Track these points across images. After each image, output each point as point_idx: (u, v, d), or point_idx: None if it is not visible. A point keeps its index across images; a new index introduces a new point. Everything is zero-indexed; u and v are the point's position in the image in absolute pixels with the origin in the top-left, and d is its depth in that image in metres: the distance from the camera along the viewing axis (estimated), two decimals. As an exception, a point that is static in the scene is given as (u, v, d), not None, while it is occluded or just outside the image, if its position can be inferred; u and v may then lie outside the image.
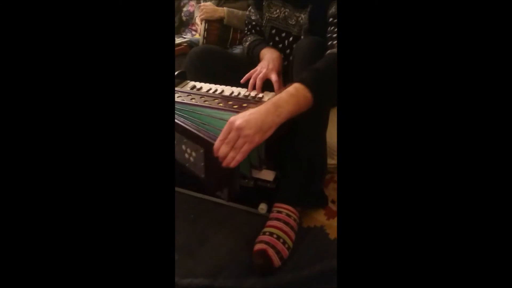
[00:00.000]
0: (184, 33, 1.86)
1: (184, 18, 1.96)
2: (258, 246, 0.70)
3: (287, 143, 0.81)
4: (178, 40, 1.52)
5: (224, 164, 0.62)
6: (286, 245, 0.71)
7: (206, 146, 0.67)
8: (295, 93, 0.64)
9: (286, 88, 0.66)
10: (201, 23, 1.40)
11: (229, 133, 0.61)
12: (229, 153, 0.61)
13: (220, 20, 1.38)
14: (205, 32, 1.38)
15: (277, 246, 0.70)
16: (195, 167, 0.75)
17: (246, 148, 0.60)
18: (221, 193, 0.75)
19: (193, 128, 0.71)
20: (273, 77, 0.90)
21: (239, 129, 0.60)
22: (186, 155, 0.76)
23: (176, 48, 1.42)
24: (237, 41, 1.42)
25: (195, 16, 1.73)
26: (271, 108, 0.62)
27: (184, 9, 1.93)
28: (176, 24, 1.90)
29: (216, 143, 0.63)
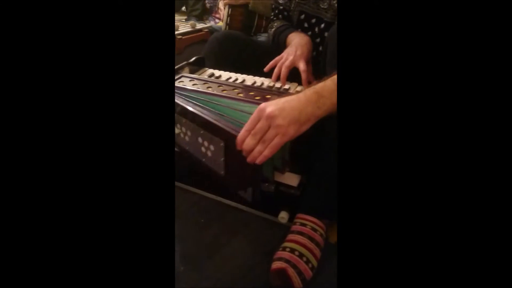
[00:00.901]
0: (207, 21, 1.77)
1: (208, 5, 1.87)
2: (276, 265, 0.59)
3: (315, 143, 0.69)
4: (199, 26, 1.43)
5: (249, 159, 0.52)
6: (310, 265, 0.60)
7: (227, 138, 0.57)
8: None
9: (331, 76, 0.54)
10: (224, 8, 1.30)
11: (258, 122, 0.50)
12: (256, 146, 0.50)
13: (245, 5, 1.28)
14: (228, 18, 1.28)
15: (299, 265, 0.59)
16: (213, 163, 0.65)
17: (277, 141, 0.49)
18: (245, 193, 0.65)
19: (212, 118, 0.61)
20: (301, 66, 0.78)
21: (271, 117, 0.49)
22: (203, 149, 0.66)
23: (196, 34, 1.33)
24: (262, 29, 1.32)
25: (218, 1, 1.63)
26: (313, 97, 0.51)
27: (209, -4, 1.84)
28: (198, 11, 1.82)
29: (241, 134, 0.52)
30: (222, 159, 0.61)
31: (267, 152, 0.50)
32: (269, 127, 0.49)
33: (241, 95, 0.70)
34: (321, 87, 0.52)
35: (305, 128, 0.51)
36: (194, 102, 0.67)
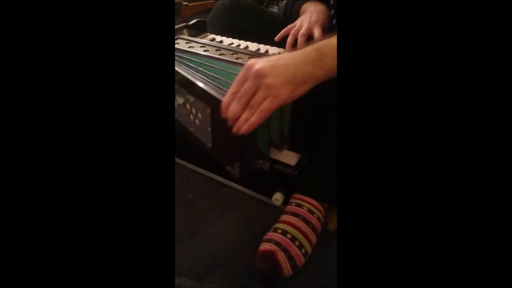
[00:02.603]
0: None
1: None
2: (264, 246, 0.53)
3: (319, 119, 0.62)
4: (207, -6, 1.35)
5: (234, 129, 0.44)
6: (303, 250, 0.54)
7: (214, 104, 0.49)
8: None
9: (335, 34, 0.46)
10: (236, -23, 1.21)
11: (244, 82, 0.42)
12: (243, 112, 0.42)
13: (258, -26, 1.19)
14: (240, -12, 1.18)
15: (290, 250, 0.52)
16: (201, 134, 0.58)
17: (267, 105, 0.41)
18: (232, 168, 0.57)
19: (199, 81, 0.53)
20: (316, 32, 0.69)
21: (260, 75, 0.40)
22: (191, 117, 0.59)
23: (203, 2, 1.25)
24: (275, 2, 1.22)
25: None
26: (312, 54, 0.43)
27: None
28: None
29: (226, 98, 0.44)
30: (209, 128, 0.54)
31: (254, 119, 0.41)
32: (257, 88, 0.41)
33: (240, 59, 0.63)
34: (324, 44, 0.44)
35: (301, 90, 0.42)
36: (185, 63, 0.60)
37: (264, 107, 0.41)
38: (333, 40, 0.44)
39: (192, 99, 0.56)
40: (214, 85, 0.53)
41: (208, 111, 0.52)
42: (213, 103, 0.50)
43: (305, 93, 0.43)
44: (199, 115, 0.56)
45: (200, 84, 0.53)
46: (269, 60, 0.42)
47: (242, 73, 0.43)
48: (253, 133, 0.47)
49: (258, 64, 0.41)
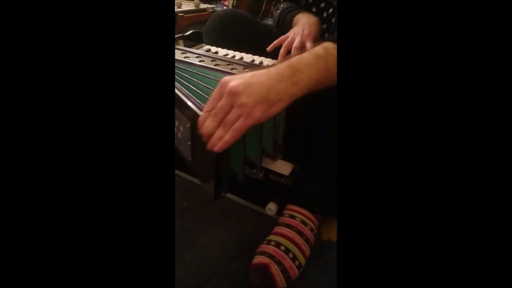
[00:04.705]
0: (216, 7, 1.71)
1: (217, -9, 1.81)
2: (258, 259, 0.53)
3: (313, 129, 0.62)
4: (203, 6, 1.37)
5: (209, 145, 0.42)
6: (297, 262, 0.53)
7: (194, 118, 0.47)
8: (323, 55, 0.44)
9: (310, 49, 0.46)
10: (232, -11, 1.23)
11: (219, 99, 0.41)
12: (217, 129, 0.41)
13: (253, -13, 1.21)
14: (235, 1, 1.21)
15: (284, 262, 0.52)
16: (182, 147, 0.56)
17: (240, 124, 0.40)
18: (208, 185, 0.55)
19: (182, 93, 0.52)
20: (309, 46, 0.71)
21: (233, 94, 0.39)
22: (175, 130, 0.58)
23: (199, 14, 1.27)
24: (270, 14, 1.24)
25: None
26: (286, 71, 0.42)
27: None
28: (208, -4, 1.76)
29: (202, 115, 0.43)
30: (189, 143, 0.53)
31: (228, 137, 0.41)
32: (231, 106, 0.40)
33: (235, 70, 0.63)
34: (297, 60, 0.44)
35: (276, 109, 0.41)
36: (180, 74, 0.60)
37: (238, 126, 0.40)
38: (306, 56, 0.45)
39: (176, 110, 0.55)
40: (194, 98, 0.52)
41: (188, 125, 0.51)
42: (193, 117, 0.48)
43: (282, 109, 0.42)
44: (181, 128, 0.55)
45: (181, 96, 0.52)
46: (243, 77, 0.41)
47: (216, 90, 0.42)
48: (227, 152, 0.45)
49: (232, 82, 0.40)
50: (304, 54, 0.45)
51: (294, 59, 0.44)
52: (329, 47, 0.45)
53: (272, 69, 0.43)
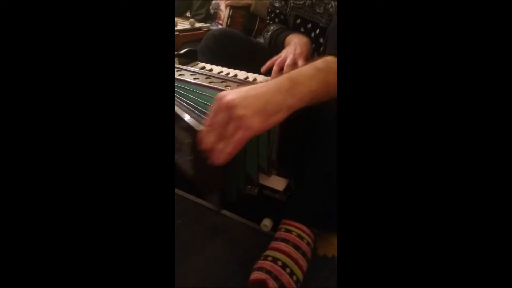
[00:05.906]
0: (211, 26, 1.76)
1: (211, 11, 1.86)
2: (255, 275, 0.52)
3: (308, 143, 0.63)
4: (198, 25, 1.41)
5: (211, 159, 0.43)
6: (294, 278, 0.53)
7: (194, 134, 0.48)
8: (324, 68, 0.46)
9: (310, 63, 0.48)
10: (225, 9, 1.27)
11: (217, 114, 0.42)
12: (217, 143, 0.42)
13: (246, 7, 1.25)
14: (229, 19, 1.25)
15: (281, 277, 0.52)
16: (183, 162, 0.57)
17: (239, 136, 0.40)
18: (212, 198, 0.57)
19: (182, 109, 0.54)
20: (300, 63, 0.73)
21: (229, 107, 0.40)
22: (177, 145, 0.59)
23: (194, 32, 1.30)
24: (262, 35, 1.28)
25: (219, 2, 1.62)
26: (285, 83, 0.43)
27: (213, 1, 1.84)
28: (202, 16, 1.81)
29: (201, 130, 0.44)
30: (190, 158, 0.53)
31: (229, 150, 0.41)
32: (229, 119, 0.40)
33: (229, 87, 0.64)
34: (296, 73, 0.45)
35: (275, 119, 0.41)
36: (175, 91, 0.61)
37: (237, 138, 0.40)
38: (305, 69, 0.46)
39: (176, 127, 0.56)
40: (196, 113, 0.53)
41: (188, 141, 0.52)
42: (193, 133, 0.49)
43: (281, 121, 0.43)
44: (181, 143, 0.56)
45: (182, 113, 0.53)
46: (240, 91, 0.42)
47: (214, 105, 0.43)
48: (231, 163, 0.45)
49: (228, 96, 0.41)
50: (304, 67, 0.46)
51: (294, 72, 0.45)
52: (329, 60, 0.47)
53: (271, 82, 0.44)
